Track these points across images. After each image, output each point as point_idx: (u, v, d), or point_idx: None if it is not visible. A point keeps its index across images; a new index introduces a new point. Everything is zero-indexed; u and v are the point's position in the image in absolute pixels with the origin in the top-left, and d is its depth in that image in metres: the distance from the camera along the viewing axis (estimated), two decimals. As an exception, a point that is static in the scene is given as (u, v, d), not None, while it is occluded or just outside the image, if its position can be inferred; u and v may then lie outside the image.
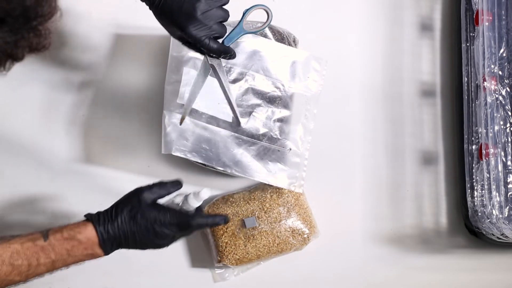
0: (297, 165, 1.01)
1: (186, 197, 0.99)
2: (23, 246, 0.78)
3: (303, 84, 1.02)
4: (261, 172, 0.99)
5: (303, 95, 1.02)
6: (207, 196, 0.96)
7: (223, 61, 0.92)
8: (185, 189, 1.10)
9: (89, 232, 0.79)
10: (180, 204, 0.99)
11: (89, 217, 0.82)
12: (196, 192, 0.98)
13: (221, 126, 0.99)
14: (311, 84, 1.03)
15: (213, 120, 0.99)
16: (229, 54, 0.86)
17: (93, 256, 0.81)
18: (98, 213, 0.82)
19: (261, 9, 0.90)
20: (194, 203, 0.98)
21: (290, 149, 1.00)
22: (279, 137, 1.00)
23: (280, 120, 1.01)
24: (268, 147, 1.00)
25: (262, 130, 1.00)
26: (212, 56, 0.87)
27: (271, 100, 1.01)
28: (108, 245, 0.81)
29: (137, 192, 0.83)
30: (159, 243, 0.84)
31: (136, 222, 0.80)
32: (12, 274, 0.77)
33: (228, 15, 0.84)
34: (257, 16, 1.06)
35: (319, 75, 1.03)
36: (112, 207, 0.83)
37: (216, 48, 0.83)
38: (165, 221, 0.81)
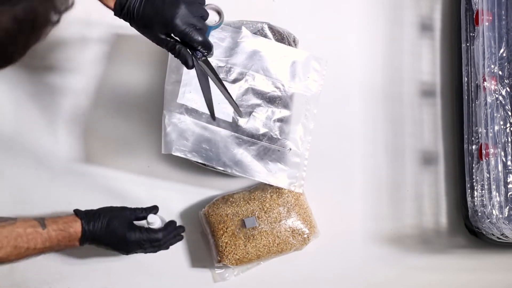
0: (297, 165, 1.01)
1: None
2: (26, 231, 0.88)
3: (303, 84, 1.02)
4: (261, 172, 0.99)
5: (303, 95, 1.02)
6: (154, 220, 0.99)
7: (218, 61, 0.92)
8: (185, 188, 1.11)
9: (78, 228, 0.92)
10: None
11: (79, 214, 0.94)
12: (148, 221, 1.01)
13: (221, 126, 0.99)
14: (311, 84, 1.03)
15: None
16: (211, 48, 0.88)
17: (70, 247, 0.93)
18: (86, 212, 0.94)
19: (212, 9, 0.93)
20: (156, 225, 1.01)
21: (290, 149, 1.00)
22: (279, 137, 1.00)
23: (280, 120, 1.01)
24: (268, 147, 1.00)
25: (262, 130, 1.00)
26: (196, 53, 0.88)
27: (271, 100, 1.01)
28: (85, 241, 0.93)
29: (122, 209, 0.97)
30: (126, 251, 0.97)
31: (112, 232, 0.94)
32: (12, 255, 0.87)
33: (208, 14, 0.87)
34: (256, 17, 1.06)
35: (319, 75, 1.03)
36: (97, 211, 0.95)
37: (201, 40, 0.85)
38: (133, 238, 0.95)
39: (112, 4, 0.84)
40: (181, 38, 0.85)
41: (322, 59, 1.03)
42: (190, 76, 0.98)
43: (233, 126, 0.99)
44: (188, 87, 0.99)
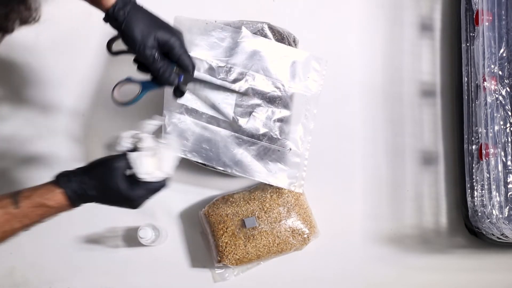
0: (297, 165, 1.01)
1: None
2: None
3: (303, 84, 1.02)
4: (261, 172, 0.99)
5: (303, 95, 1.02)
6: (145, 235, 0.99)
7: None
8: (185, 188, 1.11)
9: (58, 197, 0.82)
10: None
11: (58, 181, 0.83)
12: (139, 235, 1.00)
13: (221, 126, 0.99)
14: (311, 84, 1.03)
15: (213, 120, 0.99)
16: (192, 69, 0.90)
17: (65, 211, 0.84)
18: (68, 174, 0.83)
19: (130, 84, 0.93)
20: (148, 238, 1.00)
21: (290, 149, 1.00)
22: (279, 137, 1.00)
23: (280, 120, 1.01)
24: (268, 147, 1.00)
25: (262, 130, 1.00)
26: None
27: (271, 100, 1.01)
28: (78, 203, 0.83)
29: (111, 160, 0.84)
30: (133, 207, 0.86)
31: (108, 191, 0.83)
32: None
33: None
34: (256, 17, 1.06)
35: (319, 75, 1.03)
36: (84, 170, 0.84)
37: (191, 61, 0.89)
38: (135, 196, 0.83)
39: (109, 5, 0.84)
40: (178, 53, 0.87)
41: (322, 59, 1.03)
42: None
43: (233, 126, 0.99)
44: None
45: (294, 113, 1.02)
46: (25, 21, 0.62)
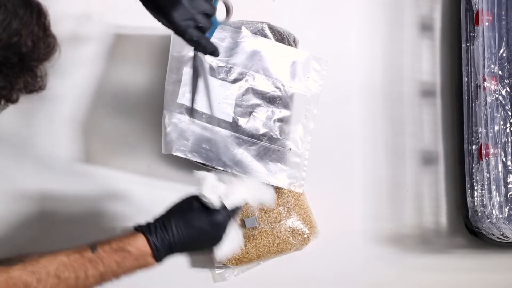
0: (297, 165, 1.01)
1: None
2: (69, 258, 0.75)
3: (303, 84, 1.02)
4: (261, 172, 0.99)
5: (303, 95, 1.02)
6: None
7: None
8: (185, 188, 1.11)
9: (140, 243, 0.78)
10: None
11: (139, 228, 0.80)
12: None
13: (221, 126, 0.99)
14: (311, 84, 1.03)
15: (213, 120, 0.99)
16: (211, 49, 0.82)
17: (146, 266, 0.80)
18: (149, 224, 0.80)
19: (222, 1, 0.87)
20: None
21: (290, 149, 1.00)
22: (279, 137, 1.00)
23: (280, 120, 1.01)
24: (268, 147, 1.00)
25: (262, 130, 1.00)
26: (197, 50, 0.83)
27: (271, 100, 1.01)
28: (162, 254, 0.79)
29: (188, 199, 0.82)
30: (215, 241, 0.83)
31: (192, 226, 0.79)
32: (59, 286, 0.75)
33: (214, 10, 0.81)
34: (256, 17, 1.06)
35: (319, 75, 1.03)
36: (164, 215, 0.81)
37: (196, 41, 0.79)
38: (218, 220, 0.81)
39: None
40: (178, 35, 0.79)
41: (322, 59, 1.03)
42: (190, 76, 0.98)
43: (233, 126, 0.99)
44: (188, 87, 0.99)
45: (294, 113, 1.02)
46: (31, 90, 0.61)
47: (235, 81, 1.00)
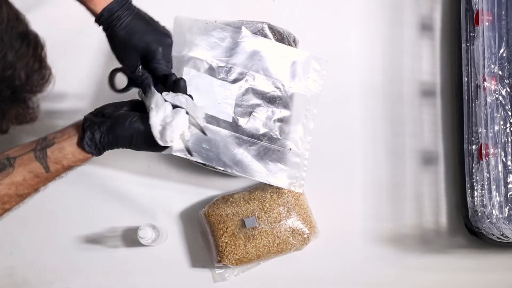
0: (297, 165, 1.01)
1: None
2: (26, 180, 0.80)
3: (303, 84, 1.02)
4: (261, 172, 0.99)
5: (303, 95, 1.02)
6: (144, 234, 0.99)
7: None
8: (185, 188, 1.11)
9: (80, 154, 0.82)
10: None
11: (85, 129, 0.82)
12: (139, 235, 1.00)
13: (221, 126, 0.99)
14: (311, 84, 1.03)
15: (213, 120, 0.99)
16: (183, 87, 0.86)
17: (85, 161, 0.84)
18: (91, 124, 0.82)
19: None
20: (148, 237, 1.00)
21: (290, 149, 1.00)
22: (279, 137, 1.00)
23: (280, 120, 1.01)
24: (268, 147, 1.00)
25: (262, 130, 1.00)
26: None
27: (271, 100, 1.01)
28: (98, 152, 0.83)
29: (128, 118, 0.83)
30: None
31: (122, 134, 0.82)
32: (18, 201, 0.82)
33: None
34: (256, 17, 1.06)
35: (319, 75, 1.03)
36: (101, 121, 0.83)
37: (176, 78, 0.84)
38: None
39: (99, 9, 0.81)
40: (159, 68, 0.84)
41: (322, 59, 1.03)
42: (190, 76, 0.98)
43: (233, 126, 0.99)
44: (188, 87, 0.99)
45: (294, 113, 1.02)
46: (21, 121, 0.61)
47: (235, 81, 1.00)
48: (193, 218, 1.09)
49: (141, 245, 1.03)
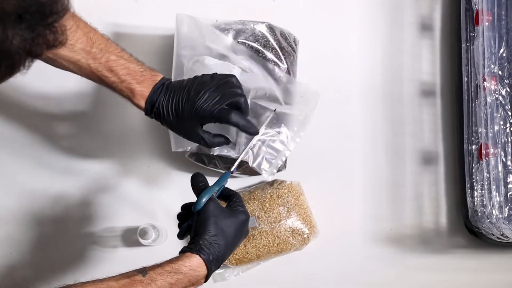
0: (278, 152, 0.96)
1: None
2: (118, 282, 0.75)
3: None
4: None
5: (302, 96, 1.01)
6: (145, 233, 1.00)
7: None
8: (186, 188, 1.11)
9: (194, 263, 0.78)
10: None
11: (190, 250, 0.79)
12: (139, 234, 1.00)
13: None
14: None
15: None
16: (251, 126, 0.88)
17: (196, 286, 0.80)
18: (197, 244, 0.79)
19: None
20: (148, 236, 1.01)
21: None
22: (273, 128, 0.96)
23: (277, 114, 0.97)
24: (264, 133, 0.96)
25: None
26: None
27: (269, 97, 1.00)
28: (212, 271, 0.80)
29: (209, 207, 0.83)
30: (244, 235, 0.86)
31: (231, 235, 0.81)
32: None
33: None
34: (256, 17, 1.05)
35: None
36: (200, 231, 0.80)
37: (237, 120, 0.85)
38: (244, 218, 0.84)
39: (142, 104, 0.85)
40: (216, 120, 0.85)
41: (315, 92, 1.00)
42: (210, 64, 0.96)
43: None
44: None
45: (292, 112, 1.01)
46: (51, 45, 0.62)
47: None
48: (193, 218, 1.09)
49: (141, 245, 1.03)
